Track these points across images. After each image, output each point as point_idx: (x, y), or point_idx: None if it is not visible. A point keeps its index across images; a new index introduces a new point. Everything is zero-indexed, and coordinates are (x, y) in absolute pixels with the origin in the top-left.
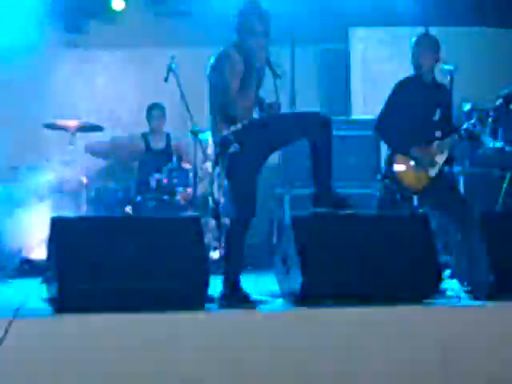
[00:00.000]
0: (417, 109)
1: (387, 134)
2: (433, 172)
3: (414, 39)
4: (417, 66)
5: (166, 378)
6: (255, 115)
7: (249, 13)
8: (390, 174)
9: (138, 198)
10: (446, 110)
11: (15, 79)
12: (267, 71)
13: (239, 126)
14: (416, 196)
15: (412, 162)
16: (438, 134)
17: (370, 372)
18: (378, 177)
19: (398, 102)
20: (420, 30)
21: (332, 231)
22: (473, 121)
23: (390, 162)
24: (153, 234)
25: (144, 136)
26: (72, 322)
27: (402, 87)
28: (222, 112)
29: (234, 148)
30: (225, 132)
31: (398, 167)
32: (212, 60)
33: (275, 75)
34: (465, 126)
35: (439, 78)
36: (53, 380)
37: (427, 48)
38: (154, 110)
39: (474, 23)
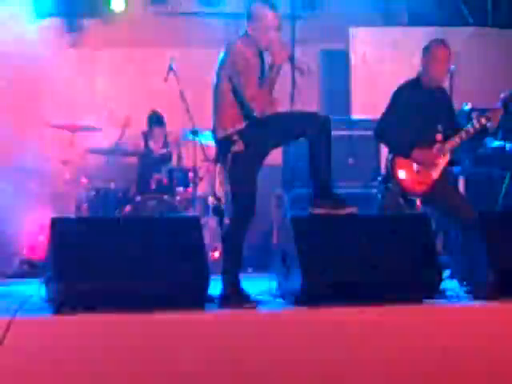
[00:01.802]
0: (418, 112)
1: (388, 138)
2: (435, 175)
3: (427, 47)
4: (426, 75)
5: (166, 377)
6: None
7: (263, 8)
8: (392, 178)
9: (138, 198)
10: (447, 112)
11: (15, 79)
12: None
13: (244, 124)
14: (418, 199)
15: (414, 165)
16: (439, 136)
17: (370, 372)
18: (380, 180)
19: (398, 106)
20: (419, 30)
21: (332, 231)
22: (474, 123)
23: (392, 165)
24: (153, 233)
25: (144, 136)
26: (72, 322)
27: (402, 91)
28: (241, 109)
29: (238, 147)
30: (229, 130)
31: (400, 170)
32: (222, 56)
33: (300, 72)
34: (466, 128)
35: None
36: (53, 380)
37: (441, 61)
38: (155, 129)
39: (473, 23)
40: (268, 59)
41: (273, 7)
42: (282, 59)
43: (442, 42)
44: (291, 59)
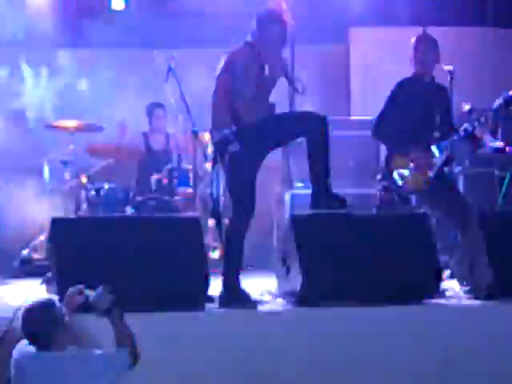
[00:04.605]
0: (416, 109)
1: (385, 135)
2: (431, 172)
3: (413, 40)
4: (419, 66)
5: (166, 377)
6: None
7: (270, 21)
8: (389, 175)
9: (138, 198)
10: (445, 110)
11: (15, 79)
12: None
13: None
14: (414, 196)
15: (410, 163)
16: (436, 134)
17: (370, 372)
18: (378, 178)
19: (396, 103)
20: (419, 30)
21: (332, 231)
22: (473, 123)
23: (388, 162)
24: (153, 233)
25: (144, 136)
26: None
27: (400, 88)
28: (231, 121)
29: (234, 147)
30: (226, 131)
31: (396, 168)
32: (224, 60)
33: (294, 90)
34: (464, 127)
35: (439, 78)
36: None
37: (429, 48)
38: (158, 109)
39: (474, 23)
40: (267, 70)
41: (280, 22)
42: (279, 75)
43: (423, 35)
44: (288, 76)
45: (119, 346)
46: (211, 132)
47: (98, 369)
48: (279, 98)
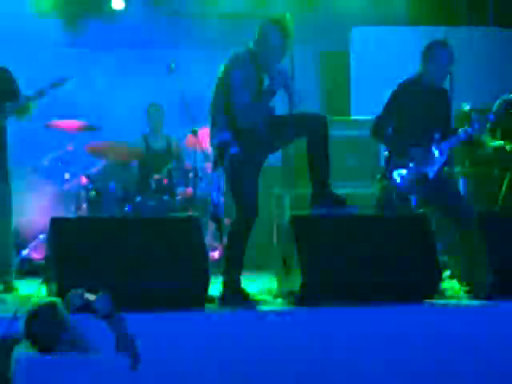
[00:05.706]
0: (416, 110)
1: (385, 136)
2: (431, 173)
3: (429, 48)
4: (425, 77)
5: (166, 377)
6: None
7: (274, 29)
8: (389, 175)
9: (138, 198)
10: (445, 111)
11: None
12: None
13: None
14: (414, 196)
15: (410, 164)
16: (437, 135)
17: (370, 372)
18: (377, 178)
19: (397, 103)
20: (419, 30)
21: (332, 231)
22: (473, 124)
23: (388, 162)
24: (153, 234)
25: (144, 137)
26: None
27: (401, 90)
28: (231, 123)
29: (234, 149)
30: (225, 133)
31: (396, 169)
32: (225, 64)
33: (291, 102)
34: (464, 128)
35: None
36: None
37: (443, 64)
38: (154, 110)
39: (473, 23)
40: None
41: (284, 32)
42: (277, 86)
43: (444, 45)
44: (287, 88)
45: (119, 350)
46: (210, 134)
47: (98, 373)
48: (279, 99)
